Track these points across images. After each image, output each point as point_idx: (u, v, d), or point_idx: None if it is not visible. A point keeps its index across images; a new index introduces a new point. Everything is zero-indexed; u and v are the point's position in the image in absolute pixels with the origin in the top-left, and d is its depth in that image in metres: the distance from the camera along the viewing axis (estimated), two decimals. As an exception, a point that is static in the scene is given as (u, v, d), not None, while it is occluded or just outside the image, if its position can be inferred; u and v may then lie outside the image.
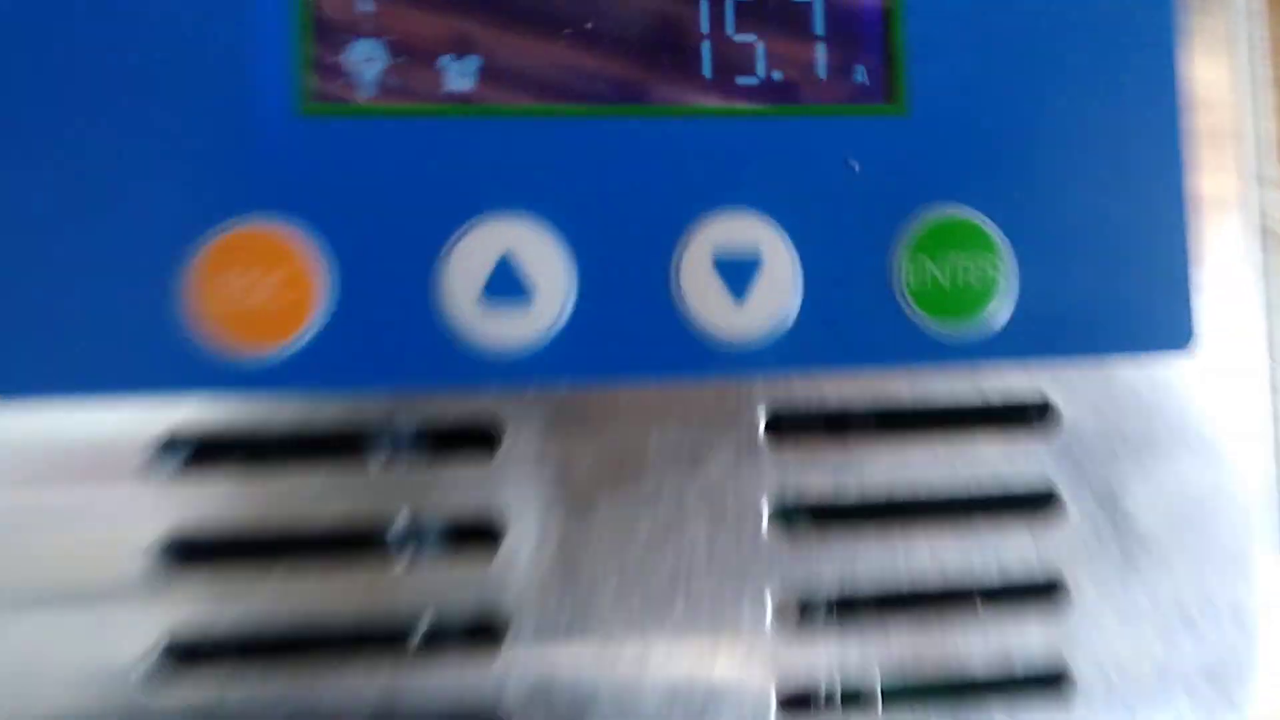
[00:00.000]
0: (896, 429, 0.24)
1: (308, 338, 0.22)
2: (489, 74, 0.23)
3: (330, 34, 0.23)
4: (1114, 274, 0.24)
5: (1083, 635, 0.24)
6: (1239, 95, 0.25)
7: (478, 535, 0.22)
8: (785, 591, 0.23)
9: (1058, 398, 0.24)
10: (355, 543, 0.22)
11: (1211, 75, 0.25)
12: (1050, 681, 0.24)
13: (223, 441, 0.22)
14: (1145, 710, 0.24)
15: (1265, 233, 0.25)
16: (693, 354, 0.23)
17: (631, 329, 0.23)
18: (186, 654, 0.22)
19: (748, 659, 0.23)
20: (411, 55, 0.23)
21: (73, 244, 0.22)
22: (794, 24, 0.24)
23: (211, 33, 0.22)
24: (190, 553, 0.22)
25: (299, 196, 0.22)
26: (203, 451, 0.22)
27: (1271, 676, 0.24)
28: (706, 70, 0.24)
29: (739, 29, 0.24)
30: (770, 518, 0.23)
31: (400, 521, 0.22)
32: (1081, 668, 0.24)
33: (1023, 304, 0.24)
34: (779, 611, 0.23)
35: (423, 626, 0.22)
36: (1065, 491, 0.24)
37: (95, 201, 0.22)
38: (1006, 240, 0.24)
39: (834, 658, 0.23)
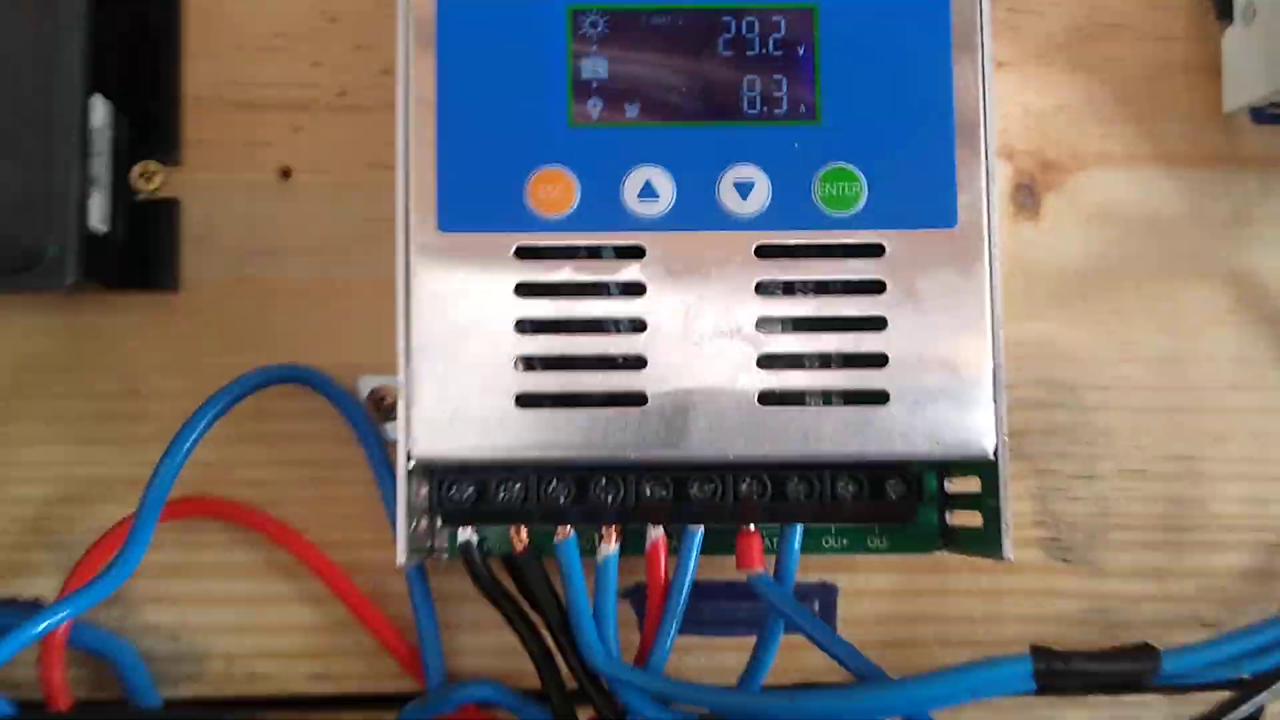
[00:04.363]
0: (815, 256, 0.57)
1: (569, 212, 0.56)
2: (644, 109, 0.57)
3: (582, 92, 0.57)
4: (919, 189, 0.57)
5: (894, 344, 0.56)
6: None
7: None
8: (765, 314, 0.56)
9: (887, 244, 0.56)
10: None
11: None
12: (875, 362, 0.56)
13: (537, 253, 0.56)
14: (922, 399, 0.56)
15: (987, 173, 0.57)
16: (717, 219, 0.56)
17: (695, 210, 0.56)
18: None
19: (740, 349, 0.56)
20: (614, 103, 0.57)
21: (480, 156, 0.56)
22: (769, 81, 0.57)
23: (539, 84, 0.57)
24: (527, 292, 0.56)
25: (570, 157, 0.56)
26: (530, 256, 0.56)
27: (983, 379, 0.56)
28: (732, 103, 0.57)
29: (748, 88, 0.57)
30: (755, 291, 0.56)
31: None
32: (894, 361, 0.56)
33: (872, 204, 0.57)
34: (759, 324, 0.56)
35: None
36: (888, 280, 0.56)
37: (491, 143, 0.56)
38: (865, 176, 0.56)
39: (788, 346, 0.56)
